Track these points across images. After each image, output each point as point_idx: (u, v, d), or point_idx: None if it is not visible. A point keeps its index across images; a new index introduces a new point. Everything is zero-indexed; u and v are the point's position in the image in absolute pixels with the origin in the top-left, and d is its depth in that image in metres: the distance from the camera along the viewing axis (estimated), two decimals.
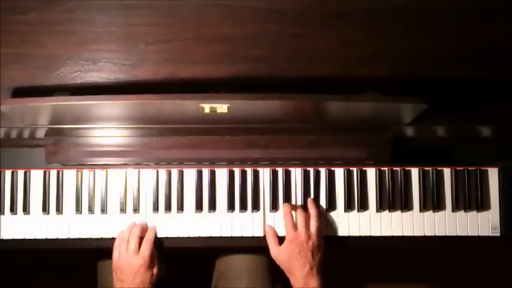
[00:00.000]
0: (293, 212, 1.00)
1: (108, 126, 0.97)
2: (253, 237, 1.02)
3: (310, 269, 0.93)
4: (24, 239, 1.01)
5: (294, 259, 0.94)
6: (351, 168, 1.05)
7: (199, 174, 1.03)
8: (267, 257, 1.12)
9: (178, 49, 0.88)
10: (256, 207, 1.03)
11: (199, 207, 1.02)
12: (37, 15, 0.86)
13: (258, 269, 1.10)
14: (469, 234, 1.04)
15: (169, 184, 1.03)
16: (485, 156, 1.06)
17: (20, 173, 1.03)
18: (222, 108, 0.84)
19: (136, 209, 1.02)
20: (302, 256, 0.94)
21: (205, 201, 1.03)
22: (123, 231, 1.00)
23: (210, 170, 1.03)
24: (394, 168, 1.05)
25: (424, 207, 1.04)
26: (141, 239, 0.98)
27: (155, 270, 0.98)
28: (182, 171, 1.03)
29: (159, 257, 0.99)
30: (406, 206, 1.04)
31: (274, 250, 0.98)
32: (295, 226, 0.97)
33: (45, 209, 1.02)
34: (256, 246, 1.04)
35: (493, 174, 1.06)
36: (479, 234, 1.04)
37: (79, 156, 0.97)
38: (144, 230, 1.00)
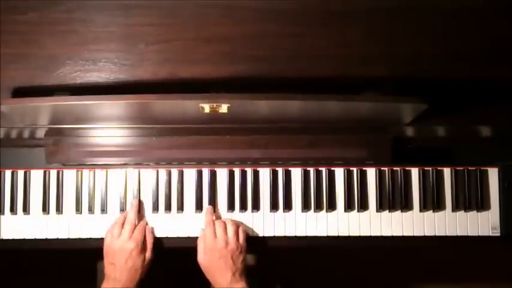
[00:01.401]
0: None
1: (108, 126, 0.97)
2: (253, 237, 1.02)
3: (232, 274, 0.93)
4: (24, 239, 1.01)
5: (215, 266, 0.94)
6: (351, 168, 1.05)
7: (199, 174, 1.03)
8: (267, 257, 1.12)
9: (178, 49, 0.88)
10: (256, 207, 1.03)
11: (199, 207, 1.02)
12: (37, 15, 0.86)
13: (257, 268, 1.10)
14: (469, 234, 1.04)
15: (169, 184, 1.03)
16: (485, 156, 1.06)
17: (20, 173, 1.03)
18: (222, 108, 0.84)
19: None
20: (222, 262, 0.94)
21: (205, 201, 1.03)
22: (118, 218, 1.00)
23: (210, 170, 1.03)
24: (394, 168, 1.05)
25: (424, 207, 1.04)
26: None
27: (147, 255, 0.98)
28: (182, 171, 1.03)
29: (152, 244, 0.99)
30: (406, 206, 1.04)
31: (201, 255, 0.97)
32: (215, 234, 0.97)
33: (45, 209, 1.02)
34: (256, 246, 1.04)
35: (493, 174, 1.06)
36: (479, 234, 1.04)
37: (79, 156, 0.97)
38: (137, 217, 1.00)
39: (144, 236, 0.98)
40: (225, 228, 0.97)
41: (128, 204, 1.02)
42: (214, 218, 1.01)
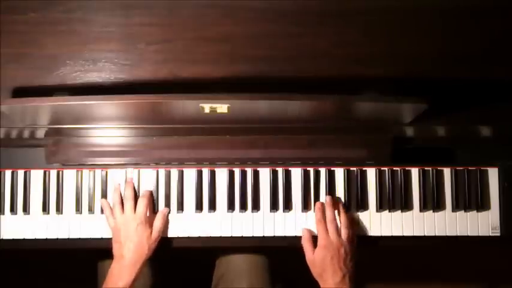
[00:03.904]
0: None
1: (108, 126, 0.97)
2: (253, 237, 1.02)
3: (343, 276, 0.92)
4: (24, 239, 1.02)
5: (327, 266, 0.93)
6: (351, 168, 1.05)
7: (199, 174, 1.03)
8: (268, 257, 1.12)
9: (178, 49, 0.88)
10: (256, 207, 1.03)
11: (199, 207, 1.02)
12: (37, 15, 0.86)
13: (258, 269, 1.10)
14: (469, 234, 1.04)
15: (169, 184, 1.03)
16: (485, 156, 1.06)
17: (20, 173, 1.03)
18: (222, 108, 0.84)
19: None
20: (335, 263, 0.93)
21: (205, 201, 1.03)
22: (113, 196, 1.00)
23: (210, 170, 1.03)
24: (394, 168, 1.05)
25: (424, 207, 1.04)
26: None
27: (155, 233, 0.97)
28: (182, 171, 1.03)
29: (162, 225, 0.99)
30: (406, 206, 1.04)
31: (309, 255, 0.96)
32: (327, 232, 0.96)
33: (45, 209, 1.02)
34: (256, 246, 1.04)
35: (493, 174, 1.06)
36: (479, 234, 1.04)
37: (79, 156, 0.97)
38: (134, 189, 1.00)
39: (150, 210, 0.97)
40: (337, 228, 0.97)
41: None
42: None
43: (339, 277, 0.92)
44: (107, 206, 1.00)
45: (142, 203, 0.98)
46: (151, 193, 1.01)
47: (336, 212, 1.00)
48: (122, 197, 1.00)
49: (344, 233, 0.97)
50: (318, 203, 1.01)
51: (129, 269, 0.93)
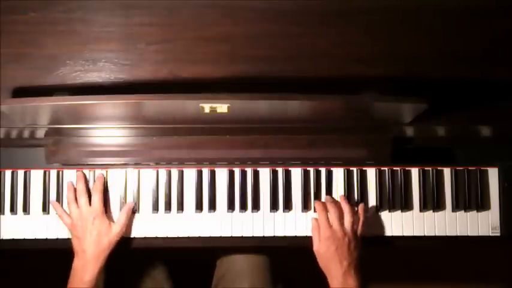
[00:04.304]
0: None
1: (108, 126, 0.97)
2: (253, 237, 1.02)
3: (348, 265, 0.91)
4: (24, 239, 1.02)
5: (332, 257, 0.92)
6: (351, 168, 1.05)
7: (199, 174, 1.03)
8: (268, 257, 1.12)
9: (178, 49, 0.88)
10: (256, 207, 1.03)
11: (199, 207, 1.02)
12: (37, 15, 0.86)
13: (259, 269, 1.10)
14: (469, 234, 1.04)
15: (169, 184, 1.03)
16: (485, 156, 1.06)
17: (20, 173, 1.03)
18: (222, 108, 0.84)
19: (136, 209, 1.02)
20: (339, 253, 0.92)
21: (205, 201, 1.03)
22: (67, 194, 0.99)
23: (210, 170, 1.03)
24: (394, 168, 1.05)
25: (424, 207, 1.04)
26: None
27: (116, 226, 0.96)
28: (182, 171, 1.03)
29: (125, 219, 0.98)
30: (406, 206, 1.04)
31: (316, 244, 0.95)
32: (329, 223, 0.95)
33: (45, 209, 1.02)
34: (256, 246, 1.04)
35: (493, 174, 1.06)
36: (479, 234, 1.04)
37: (79, 156, 0.97)
38: (86, 183, 1.00)
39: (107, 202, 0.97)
40: (340, 216, 0.95)
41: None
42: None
43: (343, 267, 0.91)
44: (58, 206, 0.99)
45: (96, 196, 0.97)
46: (103, 185, 1.00)
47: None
48: (75, 194, 0.99)
49: (347, 222, 0.95)
50: (317, 201, 1.00)
51: (92, 263, 0.93)
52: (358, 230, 0.97)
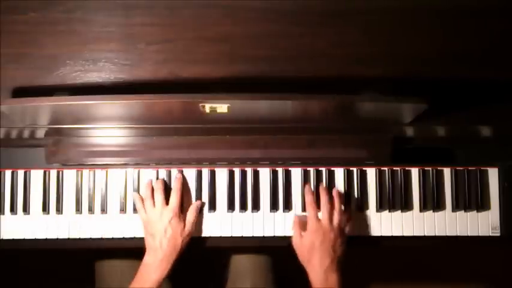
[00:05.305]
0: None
1: (108, 126, 0.97)
2: (253, 237, 1.02)
3: (331, 262, 0.90)
4: (24, 239, 1.01)
5: (315, 250, 0.92)
6: (351, 168, 1.05)
7: (199, 174, 1.03)
8: (270, 257, 1.12)
9: (178, 49, 0.88)
10: (256, 207, 1.03)
11: None
12: (37, 15, 0.86)
13: (261, 269, 1.10)
14: (469, 234, 1.04)
15: (169, 184, 1.03)
16: (485, 156, 1.06)
17: (20, 173, 1.03)
18: (222, 108, 0.84)
19: (136, 209, 1.02)
20: (323, 248, 0.91)
21: (205, 201, 1.03)
22: (145, 191, 0.99)
23: (210, 170, 1.03)
24: (394, 168, 1.05)
25: (424, 207, 1.04)
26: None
27: (188, 226, 0.96)
28: (182, 171, 1.03)
29: (194, 217, 0.98)
30: (406, 206, 1.04)
31: (297, 239, 0.95)
32: (317, 216, 0.95)
33: (45, 209, 1.02)
34: (256, 246, 1.04)
35: (493, 174, 1.06)
36: (479, 234, 1.04)
37: (79, 156, 0.97)
38: (165, 183, 1.00)
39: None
40: (330, 211, 0.95)
41: (128, 204, 1.02)
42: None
43: (327, 262, 0.90)
44: (139, 199, 0.99)
45: (174, 196, 0.97)
46: (181, 185, 1.00)
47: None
48: (153, 192, 0.99)
49: (336, 218, 0.95)
50: (307, 186, 1.00)
51: (164, 262, 0.93)
52: (346, 228, 0.97)
